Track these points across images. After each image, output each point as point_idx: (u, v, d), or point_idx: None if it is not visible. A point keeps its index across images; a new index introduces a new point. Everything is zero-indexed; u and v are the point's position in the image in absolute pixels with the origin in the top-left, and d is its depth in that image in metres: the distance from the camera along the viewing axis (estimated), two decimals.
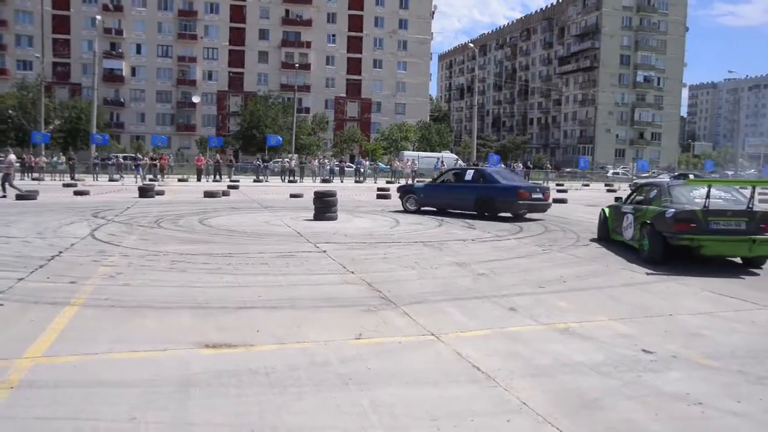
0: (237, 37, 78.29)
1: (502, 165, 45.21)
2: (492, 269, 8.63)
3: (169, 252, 9.70)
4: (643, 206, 10.47)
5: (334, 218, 15.16)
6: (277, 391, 4.01)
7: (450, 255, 9.89)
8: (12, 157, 24.02)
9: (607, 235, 12.03)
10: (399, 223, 14.80)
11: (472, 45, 64.66)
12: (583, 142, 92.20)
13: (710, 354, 5.05)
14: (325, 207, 15.28)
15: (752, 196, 9.34)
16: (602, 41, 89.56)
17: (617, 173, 61.04)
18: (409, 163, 44.56)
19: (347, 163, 49.30)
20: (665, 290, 7.60)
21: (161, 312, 6.02)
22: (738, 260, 9.75)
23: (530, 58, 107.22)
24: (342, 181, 40.39)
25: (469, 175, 17.29)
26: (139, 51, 76.68)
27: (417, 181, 19.11)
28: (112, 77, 74.45)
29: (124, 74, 75.69)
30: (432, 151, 62.62)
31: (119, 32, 75.07)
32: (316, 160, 47.03)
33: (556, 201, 23.37)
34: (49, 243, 10.38)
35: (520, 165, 46.42)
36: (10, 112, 55.87)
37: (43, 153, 42.58)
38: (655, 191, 10.60)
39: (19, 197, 19.72)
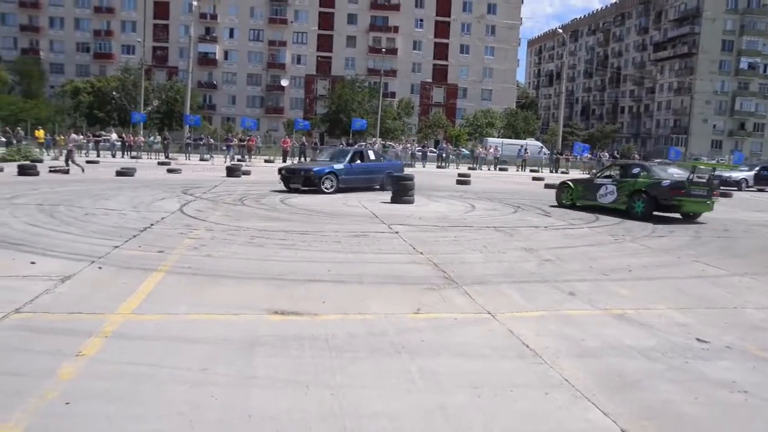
0: (326, 21, 79.44)
1: (588, 155, 44.19)
2: (559, 256, 8.70)
3: (250, 228, 10.29)
4: (628, 179, 14.58)
5: (410, 201, 15.46)
6: (334, 355, 4.37)
7: (519, 241, 10.00)
8: (74, 136, 26.07)
9: (570, 201, 15.94)
10: (474, 209, 14.95)
11: (561, 31, 63.04)
12: (677, 132, 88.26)
13: None
14: (402, 190, 15.61)
15: (711, 174, 14.96)
16: (703, 26, 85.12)
17: None
18: (492, 149, 44.23)
19: (430, 149, 49.39)
20: (736, 284, 7.46)
21: (238, 281, 6.52)
22: (678, 216, 14.25)
23: (623, 44, 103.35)
24: (424, 166, 40.61)
25: (372, 155, 20.20)
26: (231, 35, 79.16)
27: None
28: (206, 60, 77.23)
29: (217, 58, 78.36)
30: (517, 138, 61.80)
31: (214, 17, 77.70)
32: (400, 145, 47.37)
33: None
34: (142, 216, 11.21)
35: (607, 154, 45.19)
36: (113, 93, 59.19)
37: (141, 133, 44.89)
38: (638, 169, 15.07)
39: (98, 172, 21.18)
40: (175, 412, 3.37)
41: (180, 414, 3.35)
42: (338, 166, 18.16)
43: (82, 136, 26.81)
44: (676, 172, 14.47)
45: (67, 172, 22.17)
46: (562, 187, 16.50)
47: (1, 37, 75.13)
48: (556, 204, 16.29)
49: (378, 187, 18.95)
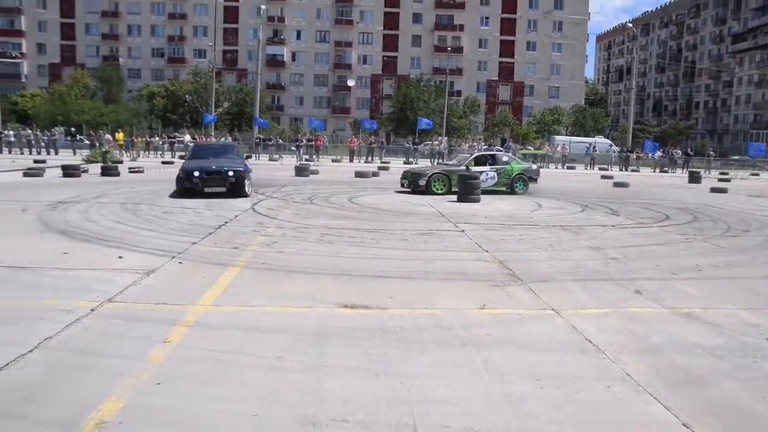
0: (391, 21, 79.87)
1: (659, 152, 42.89)
2: (626, 254, 8.65)
3: (319, 226, 10.62)
4: (505, 166, 18.61)
5: (476, 200, 15.53)
6: (402, 347, 4.57)
7: (586, 239, 9.96)
8: (107, 136, 27.53)
9: (443, 190, 17.35)
10: (541, 207, 14.90)
11: (630, 25, 61.39)
12: (757, 127, 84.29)
13: None
14: (468, 189, 15.69)
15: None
16: None
17: None
18: (559, 147, 43.61)
19: (497, 147, 48.97)
20: None
21: (309, 276, 6.81)
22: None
23: (698, 37, 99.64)
24: None
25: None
26: (299, 37, 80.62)
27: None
28: (274, 62, 78.91)
29: (285, 59, 79.97)
30: (586, 136, 60.58)
31: (281, 19, 79.32)
32: (466, 144, 47.24)
33: (714, 190, 22.15)
34: (216, 214, 11.71)
35: (679, 152, 43.78)
36: (186, 96, 61.31)
37: (213, 134, 46.35)
38: (506, 158, 19.75)
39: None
40: (254, 395, 3.64)
41: (258, 396, 3.62)
42: (248, 165, 16.27)
43: (110, 137, 29.09)
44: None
45: (142, 171, 23.29)
46: (435, 177, 17.61)
47: (86, 45, 78.96)
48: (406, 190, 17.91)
49: None
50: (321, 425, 3.29)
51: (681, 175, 35.51)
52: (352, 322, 5.15)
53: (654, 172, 40.25)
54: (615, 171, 37.63)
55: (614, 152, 46.37)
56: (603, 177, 30.22)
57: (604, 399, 3.76)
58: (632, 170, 39.77)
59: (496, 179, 18.16)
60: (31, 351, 4.21)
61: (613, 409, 3.64)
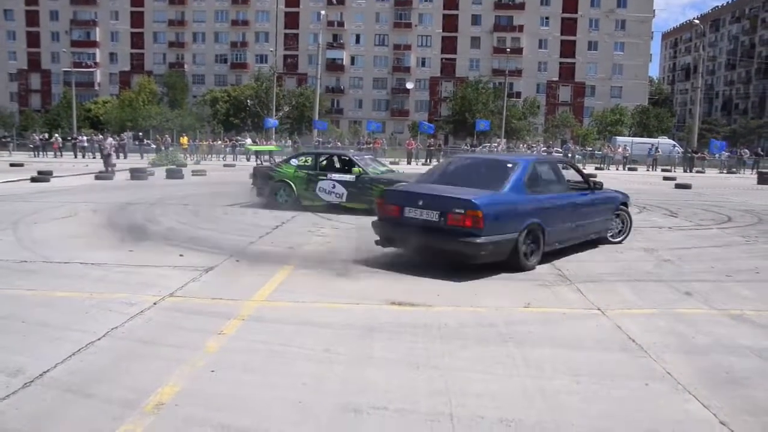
0: (450, 23, 79.72)
1: (726, 152, 41.46)
2: (680, 256, 8.52)
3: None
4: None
5: None
6: (444, 342, 4.72)
7: (640, 241, 9.83)
8: (110, 140, 27.65)
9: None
10: None
11: (697, 21, 59.48)
12: None
13: None
14: None
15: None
16: None
17: None
18: (620, 149, 42.69)
19: (556, 149, 48.33)
20: None
21: (360, 275, 7.01)
22: None
23: None
24: None
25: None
26: (358, 41, 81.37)
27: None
28: (333, 66, 79.92)
29: (344, 63, 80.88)
30: (650, 136, 59.01)
31: (341, 24, 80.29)
32: (524, 145, 46.76)
33: None
34: (274, 215, 12.07)
35: (747, 152, 42.14)
36: (248, 101, 62.82)
37: (274, 137, 47.33)
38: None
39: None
40: (300, 383, 3.86)
41: (304, 384, 3.84)
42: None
43: (112, 140, 28.60)
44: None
45: (204, 174, 24.02)
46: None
47: (153, 53, 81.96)
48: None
49: None
50: (361, 412, 3.48)
51: (750, 177, 34.18)
52: (398, 317, 5.33)
53: (721, 173, 38.91)
54: (679, 172, 36.59)
55: (678, 153, 45.05)
56: (665, 178, 29.47)
57: (640, 396, 3.82)
58: (697, 171, 38.57)
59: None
60: (99, 339, 4.57)
61: (648, 405, 3.69)
